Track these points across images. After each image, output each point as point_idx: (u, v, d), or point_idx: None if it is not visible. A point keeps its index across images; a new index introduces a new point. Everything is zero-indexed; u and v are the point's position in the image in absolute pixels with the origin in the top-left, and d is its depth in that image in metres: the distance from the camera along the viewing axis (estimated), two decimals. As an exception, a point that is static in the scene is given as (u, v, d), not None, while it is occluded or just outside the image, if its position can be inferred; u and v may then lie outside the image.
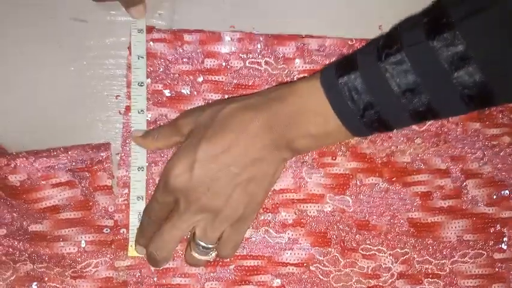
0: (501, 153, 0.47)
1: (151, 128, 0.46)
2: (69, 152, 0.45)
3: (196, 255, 0.42)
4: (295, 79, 0.47)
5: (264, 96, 0.41)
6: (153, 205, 0.43)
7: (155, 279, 0.45)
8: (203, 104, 0.46)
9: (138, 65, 0.46)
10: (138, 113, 0.46)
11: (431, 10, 0.37)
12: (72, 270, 0.45)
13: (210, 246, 0.41)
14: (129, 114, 0.46)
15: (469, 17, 0.34)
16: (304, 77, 0.45)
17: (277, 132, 0.39)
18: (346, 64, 0.38)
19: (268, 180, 0.41)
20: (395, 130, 0.45)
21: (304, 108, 0.39)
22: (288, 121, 0.39)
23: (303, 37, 0.47)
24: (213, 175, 0.39)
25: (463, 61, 0.34)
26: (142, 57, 0.46)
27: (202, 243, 0.41)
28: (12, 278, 0.44)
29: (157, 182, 0.45)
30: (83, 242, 0.45)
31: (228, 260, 0.45)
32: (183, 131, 0.42)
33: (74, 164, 0.45)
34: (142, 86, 0.46)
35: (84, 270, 0.45)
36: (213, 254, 0.42)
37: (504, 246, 0.46)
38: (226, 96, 0.47)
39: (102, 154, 0.46)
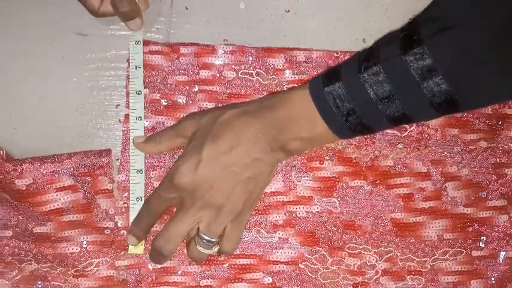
0: (478, 157, 0.49)
1: (152, 133, 0.48)
2: (73, 158, 0.47)
3: (201, 249, 0.44)
4: (285, 88, 0.49)
5: (259, 103, 0.44)
6: (154, 198, 0.45)
7: (153, 277, 0.47)
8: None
9: (136, 75, 0.48)
10: (136, 119, 0.48)
11: (407, 27, 0.40)
12: (74, 269, 0.46)
13: (213, 240, 0.44)
14: (129, 121, 0.48)
15: (437, 34, 0.38)
16: (294, 86, 0.48)
17: (272, 136, 0.43)
18: (331, 75, 0.42)
19: (265, 179, 0.45)
20: (378, 134, 0.48)
21: (296, 114, 0.43)
22: (281, 126, 0.43)
23: (292, 50, 0.49)
24: (216, 174, 0.42)
25: (430, 72, 0.38)
26: (140, 67, 0.48)
27: (206, 237, 0.44)
28: (18, 277, 0.45)
29: (159, 183, 0.46)
30: (84, 242, 0.47)
31: (223, 258, 0.47)
32: (186, 133, 0.45)
33: (76, 169, 0.47)
34: (139, 94, 0.48)
35: (86, 270, 0.46)
36: (216, 249, 0.45)
37: (482, 245, 0.48)
38: (220, 105, 0.49)
39: (103, 160, 0.48)
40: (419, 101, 0.39)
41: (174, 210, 0.46)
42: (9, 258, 0.46)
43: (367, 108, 0.40)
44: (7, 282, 0.45)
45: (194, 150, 0.43)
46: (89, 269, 0.47)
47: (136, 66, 0.48)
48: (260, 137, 0.43)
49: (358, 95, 0.40)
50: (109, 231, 0.47)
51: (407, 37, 0.39)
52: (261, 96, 0.49)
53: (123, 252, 0.47)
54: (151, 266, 0.47)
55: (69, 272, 0.46)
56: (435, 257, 0.48)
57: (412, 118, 0.41)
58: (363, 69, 0.40)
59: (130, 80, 0.48)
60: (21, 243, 0.46)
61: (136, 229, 0.46)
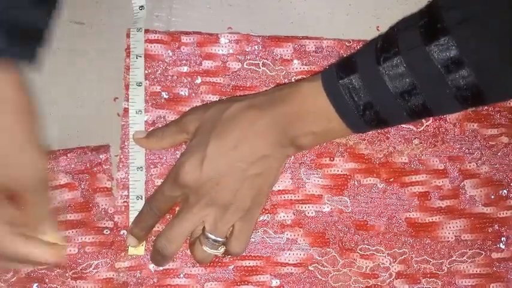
0: (499, 153, 0.47)
1: (153, 129, 0.46)
2: (69, 155, 0.46)
3: (206, 249, 0.42)
4: (293, 80, 0.47)
5: (268, 96, 0.42)
6: (157, 197, 0.44)
7: (155, 280, 0.45)
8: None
9: (137, 65, 0.46)
10: (136, 113, 0.46)
11: (426, 13, 0.38)
12: (72, 271, 0.45)
13: (220, 239, 0.42)
14: (128, 115, 0.46)
15: (462, 23, 0.36)
16: (305, 78, 0.46)
17: (281, 131, 0.41)
18: (346, 66, 0.40)
19: (274, 175, 0.43)
20: (392, 128, 0.47)
21: (307, 108, 0.41)
22: (291, 120, 0.41)
23: (300, 38, 0.47)
24: (222, 171, 0.41)
25: (456, 65, 0.36)
26: (141, 57, 0.47)
27: (212, 237, 0.42)
28: (13, 279, 0.44)
29: (161, 181, 0.45)
30: (86, 243, 0.45)
31: (229, 259, 0.46)
32: (189, 128, 0.43)
33: (73, 166, 0.46)
34: (140, 86, 0.46)
35: (84, 271, 0.45)
36: (222, 250, 0.43)
37: (502, 246, 0.47)
38: (224, 98, 0.47)
39: (101, 156, 0.46)
40: (443, 94, 0.37)
41: (177, 209, 0.44)
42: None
43: (386, 101, 0.39)
44: (2, 284, 0.44)
45: (199, 146, 0.41)
46: (88, 270, 0.45)
47: (137, 56, 0.46)
48: (269, 131, 0.41)
49: (377, 88, 0.38)
50: (108, 232, 0.46)
51: (429, 25, 0.37)
52: (267, 88, 0.47)
53: (123, 254, 0.45)
54: (152, 267, 0.45)
55: (67, 274, 0.45)
56: (452, 259, 0.46)
57: (434, 112, 0.39)
58: (381, 61, 0.38)
59: (130, 70, 0.46)
60: (17, 244, 0.45)
61: (136, 229, 0.44)
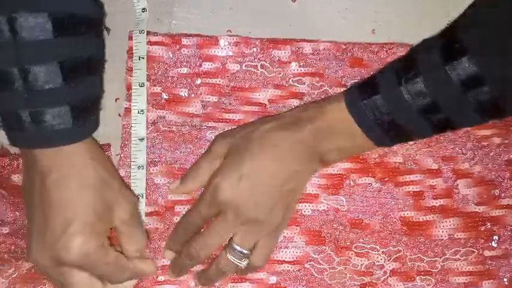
0: (491, 154, 0.48)
1: (184, 174, 0.46)
2: None
3: (232, 258, 0.43)
4: (290, 82, 0.48)
5: (293, 117, 0.44)
6: (194, 216, 0.44)
7: (154, 276, 0.45)
8: (201, 105, 0.47)
9: (139, 66, 0.47)
10: (138, 113, 0.47)
11: (446, 33, 0.40)
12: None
13: (246, 252, 0.43)
14: (130, 115, 0.47)
15: (481, 43, 0.37)
16: (327, 98, 0.46)
17: (310, 147, 0.43)
18: (367, 87, 0.42)
19: (301, 190, 0.46)
20: None
21: (333, 126, 0.42)
22: (320, 137, 0.43)
23: (298, 41, 0.48)
24: (259, 189, 0.42)
25: (476, 82, 0.37)
26: (143, 58, 0.47)
27: (239, 248, 0.43)
28: (15, 275, 0.45)
29: (198, 199, 0.45)
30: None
31: (238, 275, 0.46)
32: (220, 153, 0.44)
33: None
34: (142, 86, 0.47)
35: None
36: (245, 262, 0.43)
37: (494, 244, 0.47)
38: (223, 99, 0.48)
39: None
40: (465, 110, 0.39)
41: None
42: (5, 255, 0.45)
43: (409, 119, 0.40)
44: (4, 280, 0.45)
45: (233, 166, 0.42)
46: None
47: (139, 57, 0.47)
48: (298, 149, 0.42)
49: (399, 107, 0.40)
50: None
51: (448, 45, 0.38)
52: (266, 90, 0.48)
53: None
54: (152, 264, 0.46)
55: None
56: (446, 256, 0.47)
57: (456, 126, 0.41)
58: (403, 82, 0.39)
59: (133, 71, 0.47)
60: (18, 240, 0.45)
61: (174, 246, 0.45)
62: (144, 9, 0.48)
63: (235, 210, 0.42)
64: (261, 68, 0.48)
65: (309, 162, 0.43)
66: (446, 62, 0.38)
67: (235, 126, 0.47)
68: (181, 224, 0.45)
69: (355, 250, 0.46)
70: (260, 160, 0.42)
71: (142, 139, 0.47)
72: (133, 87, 0.47)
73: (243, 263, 0.43)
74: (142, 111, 0.47)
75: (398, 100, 0.39)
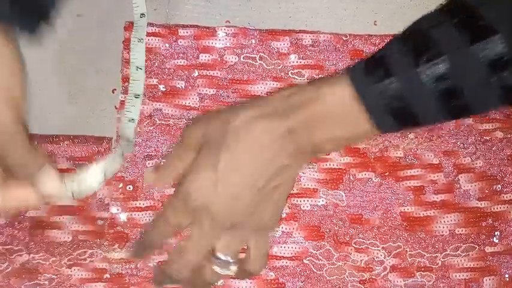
0: (493, 148, 0.47)
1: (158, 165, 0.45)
2: (70, 141, 0.46)
3: (217, 268, 0.39)
4: (289, 74, 0.47)
5: (282, 102, 0.38)
6: (161, 224, 0.40)
7: (150, 272, 0.45)
8: (198, 98, 0.47)
9: (138, 49, 0.46)
10: (135, 97, 0.46)
11: (459, 10, 0.36)
12: (67, 258, 0.45)
13: (231, 260, 0.39)
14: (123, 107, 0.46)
15: (508, 20, 0.34)
16: (321, 79, 0.40)
17: (301, 140, 0.37)
18: (377, 68, 0.36)
19: (291, 185, 0.40)
20: None
21: (331, 113, 0.37)
22: (312, 126, 0.37)
23: (297, 32, 0.47)
24: (238, 191, 0.37)
25: (505, 64, 0.34)
26: (142, 41, 0.46)
27: (223, 257, 0.39)
28: (8, 269, 0.44)
29: (165, 203, 0.42)
30: (78, 231, 0.45)
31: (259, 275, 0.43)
32: (193, 145, 0.40)
33: (74, 153, 0.46)
34: (140, 70, 0.46)
35: (79, 258, 0.45)
36: (234, 268, 0.40)
37: (496, 240, 0.46)
38: (221, 91, 0.47)
39: (102, 145, 0.46)
40: (488, 94, 0.35)
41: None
42: (0, 248, 0.45)
43: (425, 104, 0.36)
44: (-3, 275, 0.44)
45: (208, 164, 0.37)
46: (83, 257, 0.45)
47: (138, 39, 0.46)
48: (286, 142, 0.37)
49: (416, 91, 0.35)
50: (102, 222, 0.46)
51: (469, 23, 0.34)
52: (265, 83, 0.47)
53: (116, 245, 0.45)
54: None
55: (62, 262, 0.45)
56: (446, 252, 0.46)
57: (474, 111, 0.37)
58: (420, 62, 0.35)
59: (131, 54, 0.46)
60: (15, 231, 0.45)
61: (136, 254, 0.43)
62: (142, 15, 0.47)
63: (211, 217, 0.37)
64: (259, 59, 0.47)
65: (298, 155, 0.38)
66: (472, 41, 0.34)
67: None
68: (147, 234, 0.41)
69: (355, 246, 0.46)
70: (239, 156, 0.37)
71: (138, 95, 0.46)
72: (131, 70, 0.46)
73: (232, 270, 0.40)
74: (138, 95, 0.46)
75: (415, 83, 0.35)
